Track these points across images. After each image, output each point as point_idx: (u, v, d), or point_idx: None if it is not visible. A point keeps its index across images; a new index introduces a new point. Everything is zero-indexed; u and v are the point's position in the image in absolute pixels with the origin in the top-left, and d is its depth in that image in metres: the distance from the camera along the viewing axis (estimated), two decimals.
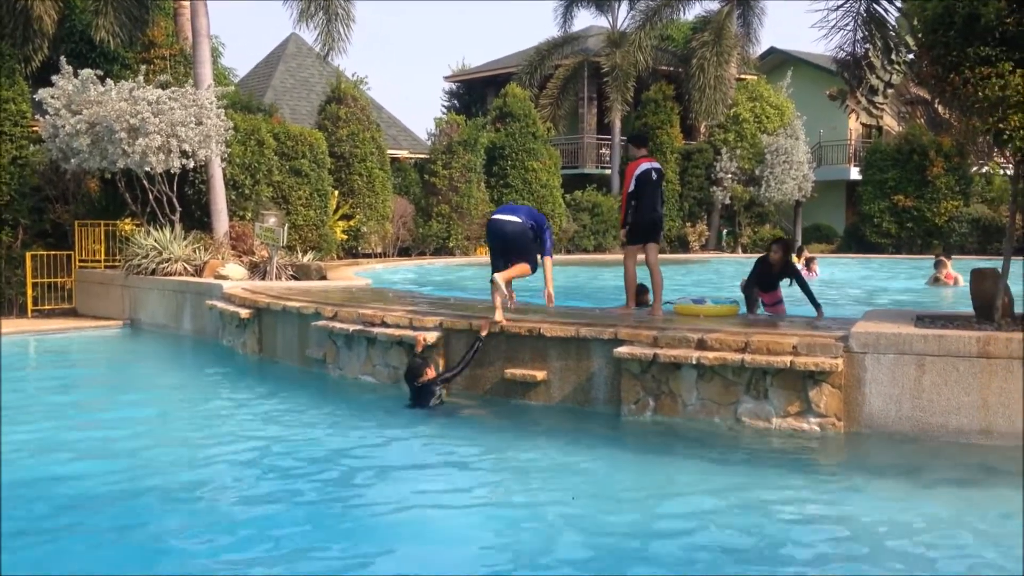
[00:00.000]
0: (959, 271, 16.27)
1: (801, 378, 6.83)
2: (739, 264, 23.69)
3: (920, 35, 7.75)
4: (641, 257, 9.68)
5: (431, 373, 8.05)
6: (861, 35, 13.53)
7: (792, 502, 5.50)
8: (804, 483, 5.89)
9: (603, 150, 31.58)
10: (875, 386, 6.76)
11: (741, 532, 4.99)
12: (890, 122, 33.84)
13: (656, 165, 9.50)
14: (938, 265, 17.36)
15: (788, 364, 6.78)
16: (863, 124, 33.95)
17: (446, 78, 38.82)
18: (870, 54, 13.97)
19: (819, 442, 6.68)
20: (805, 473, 6.11)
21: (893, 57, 13.81)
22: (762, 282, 9.90)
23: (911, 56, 14.08)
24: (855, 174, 31.58)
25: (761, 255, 10.18)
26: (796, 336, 7.09)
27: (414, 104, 71.88)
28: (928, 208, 26.92)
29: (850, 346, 6.82)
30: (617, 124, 28.78)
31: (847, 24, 12.94)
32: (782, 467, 6.22)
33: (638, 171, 9.29)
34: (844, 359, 6.79)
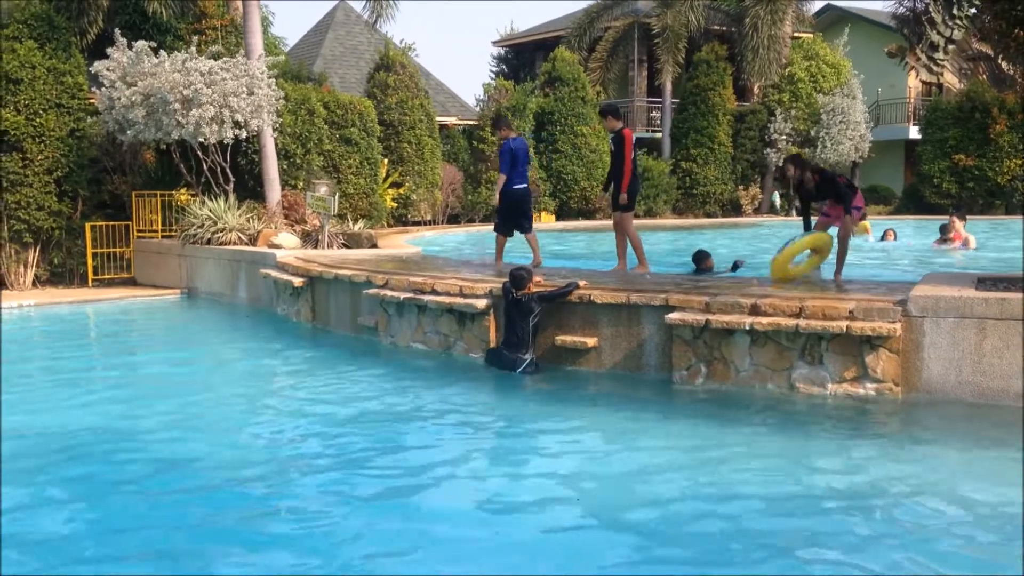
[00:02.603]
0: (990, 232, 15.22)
1: (858, 343, 6.72)
2: (789, 227, 23.32)
3: None
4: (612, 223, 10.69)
5: (533, 288, 8.02)
6: None
7: (849, 468, 5.43)
8: (862, 449, 5.81)
9: (653, 113, 31.17)
10: (934, 351, 6.62)
11: (796, 499, 4.94)
12: (951, 79, 32.87)
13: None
14: (944, 228, 16.22)
15: (844, 329, 6.66)
16: (923, 82, 33.00)
17: (494, 43, 38.60)
18: (930, 9, 13.53)
19: (876, 408, 6.57)
20: (863, 439, 6.03)
21: (955, 12, 13.38)
22: (806, 202, 9.95)
23: (973, 11, 13.63)
24: (914, 133, 30.77)
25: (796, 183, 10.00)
26: (853, 300, 6.96)
27: (462, 70, 71.66)
28: (990, 167, 26.12)
29: (909, 310, 6.68)
30: (668, 86, 28.35)
31: None
32: (839, 433, 6.15)
33: (627, 139, 9.99)
34: (902, 323, 6.65)
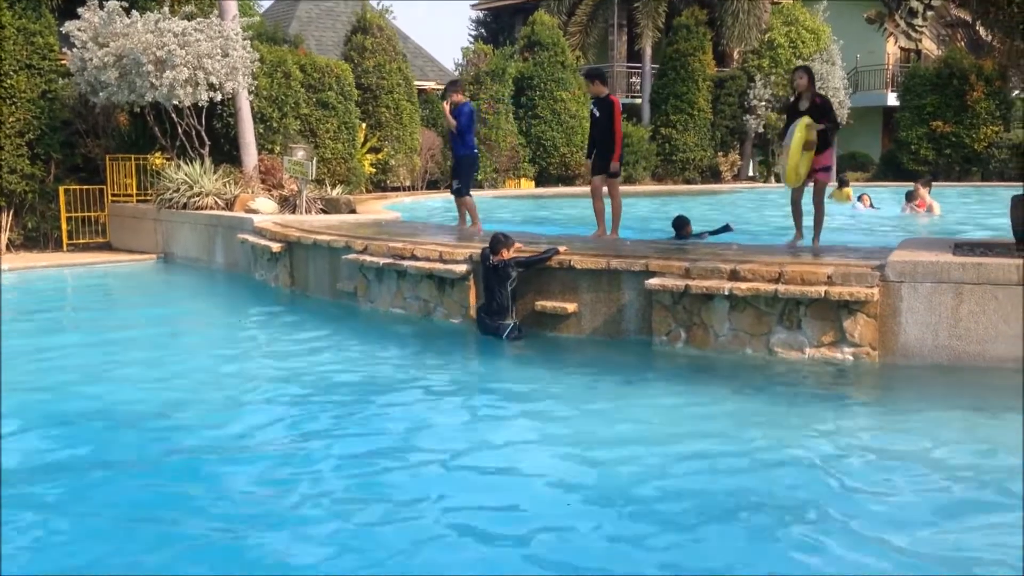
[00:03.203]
0: (967, 200, 15.64)
1: (835, 308, 6.77)
2: (766, 193, 23.38)
3: None
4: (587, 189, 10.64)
5: (507, 254, 7.98)
6: None
7: (827, 431, 5.48)
8: (839, 412, 5.87)
9: (633, 79, 31.01)
10: (911, 315, 6.68)
11: (774, 462, 4.99)
12: (929, 46, 32.89)
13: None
14: (910, 194, 16.59)
15: (823, 294, 6.70)
16: (901, 48, 33.02)
17: (473, 6, 38.13)
18: None
19: (853, 372, 6.64)
20: (840, 403, 6.09)
21: None
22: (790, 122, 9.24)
23: None
24: (892, 100, 30.83)
25: (789, 102, 9.69)
26: (831, 266, 7.00)
27: (441, 33, 70.89)
28: (967, 134, 26.28)
29: (886, 275, 6.73)
30: (648, 51, 28.19)
31: None
32: (816, 397, 6.21)
33: (613, 105, 9.90)
34: (880, 288, 6.70)
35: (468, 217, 11.32)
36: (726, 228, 11.46)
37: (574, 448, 5.27)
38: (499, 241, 8.07)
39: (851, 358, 6.76)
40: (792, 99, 9.40)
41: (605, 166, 10.11)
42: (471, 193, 11.38)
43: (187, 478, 4.94)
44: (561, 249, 8.12)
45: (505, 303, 7.95)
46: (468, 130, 10.98)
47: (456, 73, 25.36)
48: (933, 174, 26.64)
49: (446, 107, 11.11)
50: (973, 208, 18.17)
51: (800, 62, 27.52)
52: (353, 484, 4.79)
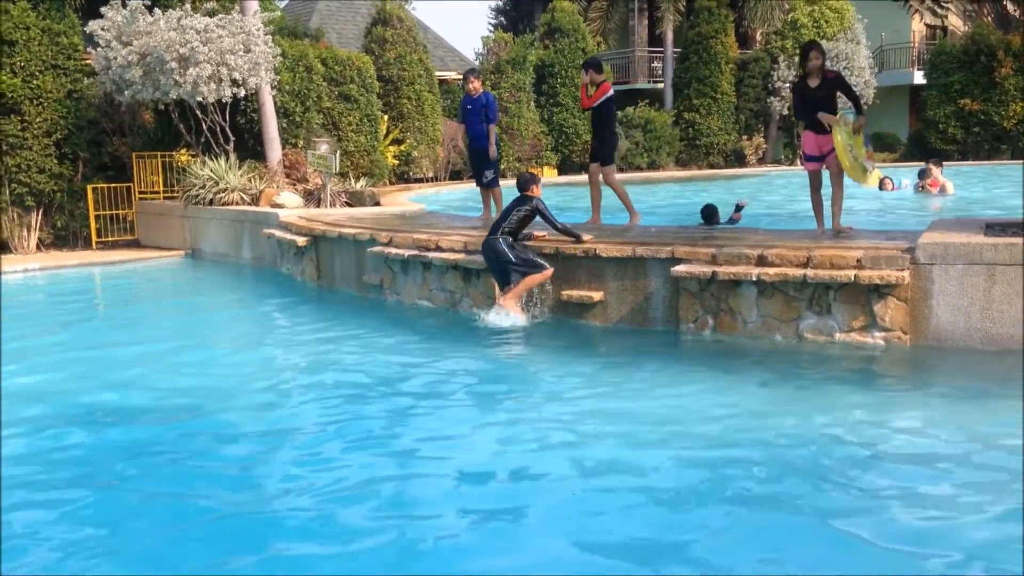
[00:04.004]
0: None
1: (866, 292, 6.70)
2: (793, 176, 23.18)
3: None
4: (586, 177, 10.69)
5: (536, 191, 8.27)
6: None
7: (860, 416, 5.44)
8: (871, 397, 5.82)
9: (655, 63, 30.81)
10: (943, 298, 6.60)
11: (807, 447, 4.95)
12: (956, 22, 32.40)
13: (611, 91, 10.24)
14: (923, 173, 16.52)
15: (852, 278, 6.64)
16: (927, 25, 32.56)
17: None
18: None
19: (885, 356, 6.57)
20: (872, 388, 6.04)
21: None
22: (806, 112, 8.43)
23: None
24: (919, 78, 30.40)
25: (795, 81, 8.95)
26: (860, 249, 6.93)
27: (461, 23, 70.70)
28: (996, 112, 25.84)
29: (917, 257, 6.65)
30: (669, 35, 27.98)
31: None
32: (848, 382, 6.15)
33: (609, 94, 10.08)
34: (911, 271, 6.62)
35: (493, 207, 11.32)
36: (738, 207, 11.41)
37: (605, 438, 5.26)
38: (527, 179, 8.39)
39: (882, 342, 6.70)
40: (799, 77, 8.61)
41: (599, 153, 10.28)
42: None
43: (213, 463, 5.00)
44: (586, 238, 8.11)
45: (509, 222, 8.14)
46: (496, 117, 11.16)
47: (476, 62, 25.31)
48: (962, 152, 26.33)
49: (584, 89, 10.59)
50: (992, 188, 17.94)
51: (824, 42, 27.25)
52: (383, 475, 4.81)
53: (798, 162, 27.53)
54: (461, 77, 25.45)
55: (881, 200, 15.55)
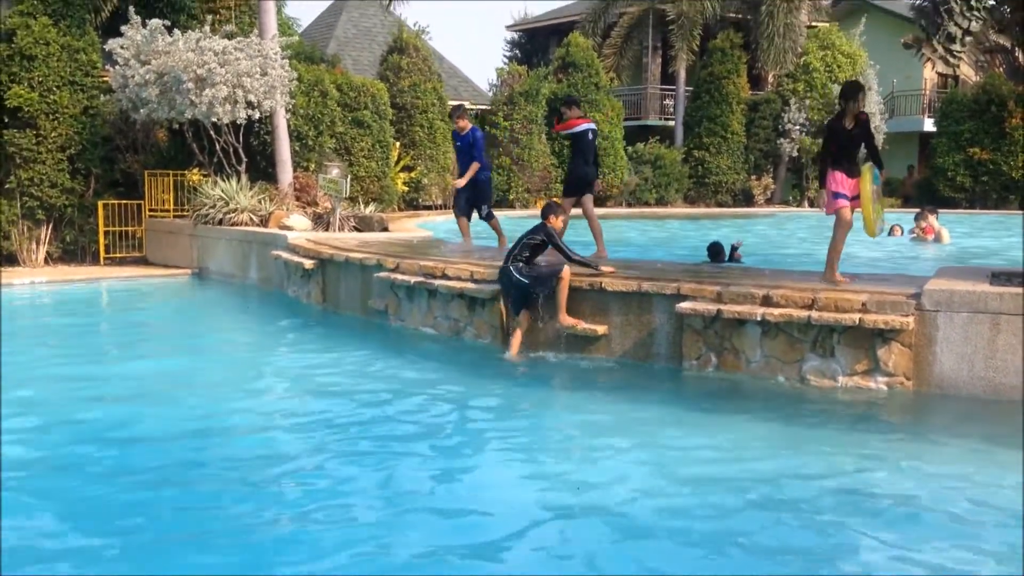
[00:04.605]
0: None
1: (870, 336, 6.69)
2: (804, 217, 23.23)
3: None
4: (577, 211, 10.88)
5: (553, 220, 8.28)
6: None
7: (861, 461, 5.41)
8: (872, 442, 5.79)
9: (667, 101, 31.01)
10: (947, 345, 6.59)
11: (807, 491, 4.93)
12: (967, 71, 32.55)
13: (592, 125, 10.75)
14: (918, 217, 16.62)
15: (857, 321, 6.63)
16: (939, 73, 32.73)
17: (508, 27, 38.43)
18: (949, 0, 13.39)
19: (887, 401, 6.55)
20: (873, 432, 6.01)
21: (972, 3, 13.25)
22: (841, 153, 8.04)
23: (992, 2, 13.48)
24: (929, 126, 30.52)
25: (829, 119, 8.41)
26: (866, 293, 6.93)
27: (476, 54, 71.28)
28: (1005, 161, 25.93)
29: (922, 303, 6.65)
30: (682, 74, 28.19)
31: None
32: (850, 426, 6.13)
33: (576, 130, 10.52)
34: (915, 317, 6.62)
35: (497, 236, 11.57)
36: (734, 248, 11.44)
37: (601, 474, 5.24)
38: (547, 208, 8.48)
39: (885, 388, 6.68)
40: (836, 116, 8.19)
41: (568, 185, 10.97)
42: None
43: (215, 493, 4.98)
44: (606, 269, 8.14)
45: (522, 256, 8.18)
46: (483, 153, 11.55)
47: (490, 94, 25.49)
48: (970, 201, 26.37)
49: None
50: (988, 235, 18.01)
51: (836, 87, 27.41)
52: (382, 504, 4.79)
53: (806, 204, 27.64)
54: (476, 107, 25.72)
55: (882, 247, 15.57)
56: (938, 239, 16.15)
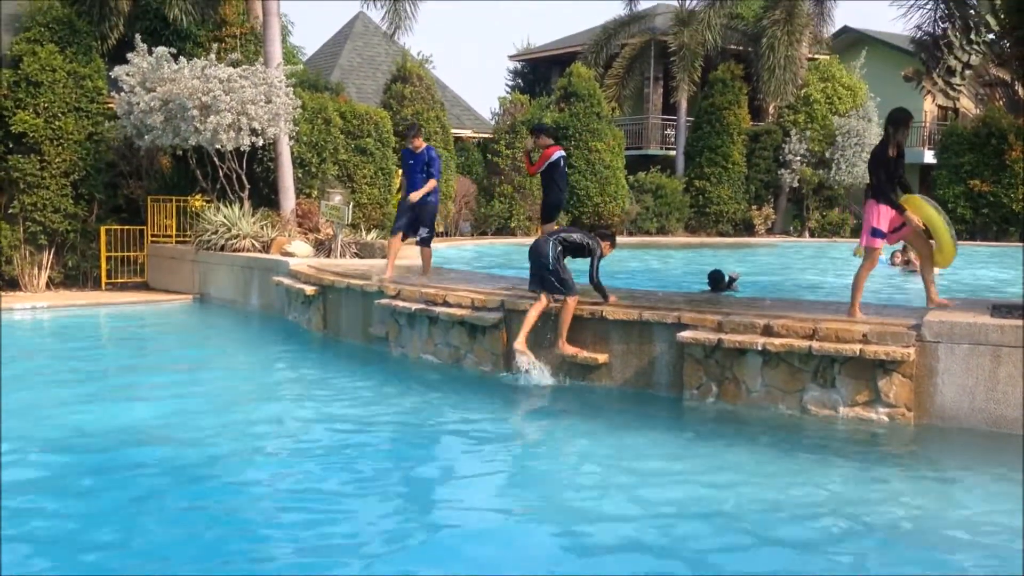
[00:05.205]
0: None
1: (871, 367, 6.68)
2: (805, 247, 23.27)
3: (1003, 15, 7.46)
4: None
5: (607, 249, 8.49)
6: (940, 14, 13.10)
7: (861, 493, 5.39)
8: (874, 474, 5.77)
9: (668, 131, 31.18)
10: (948, 377, 6.58)
11: (807, 522, 4.90)
12: (967, 104, 32.72)
13: (562, 152, 10.60)
14: (906, 248, 15.89)
15: (857, 352, 6.63)
16: (939, 106, 32.90)
17: (511, 57, 38.73)
18: (949, 33, 13.50)
19: (888, 432, 6.53)
20: (874, 464, 5.99)
21: (972, 37, 13.35)
22: (888, 181, 7.65)
23: (992, 36, 13.60)
24: (929, 158, 30.66)
25: (875, 148, 7.93)
26: (867, 324, 6.93)
27: (478, 83, 71.81)
28: (1005, 194, 26.01)
29: (923, 335, 6.65)
30: (683, 104, 28.37)
31: (926, 2, 12.54)
32: (851, 457, 6.11)
33: (552, 159, 10.36)
34: (916, 348, 6.62)
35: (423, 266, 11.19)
36: (731, 280, 11.36)
37: (596, 504, 5.22)
38: (612, 237, 8.75)
39: (886, 419, 6.66)
40: (882, 145, 7.76)
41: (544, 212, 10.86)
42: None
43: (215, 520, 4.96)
44: (612, 299, 8.19)
45: (566, 242, 8.34)
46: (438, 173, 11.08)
47: (492, 122, 25.65)
48: (971, 233, 26.41)
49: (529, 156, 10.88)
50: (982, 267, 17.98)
51: (837, 119, 27.59)
52: (381, 532, 4.77)
53: (807, 234, 27.70)
54: (478, 136, 25.86)
55: (872, 279, 15.53)
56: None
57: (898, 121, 7.68)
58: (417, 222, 11.02)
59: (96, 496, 5.30)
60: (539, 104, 24.22)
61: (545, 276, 8.15)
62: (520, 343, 8.04)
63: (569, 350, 7.95)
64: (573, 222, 24.71)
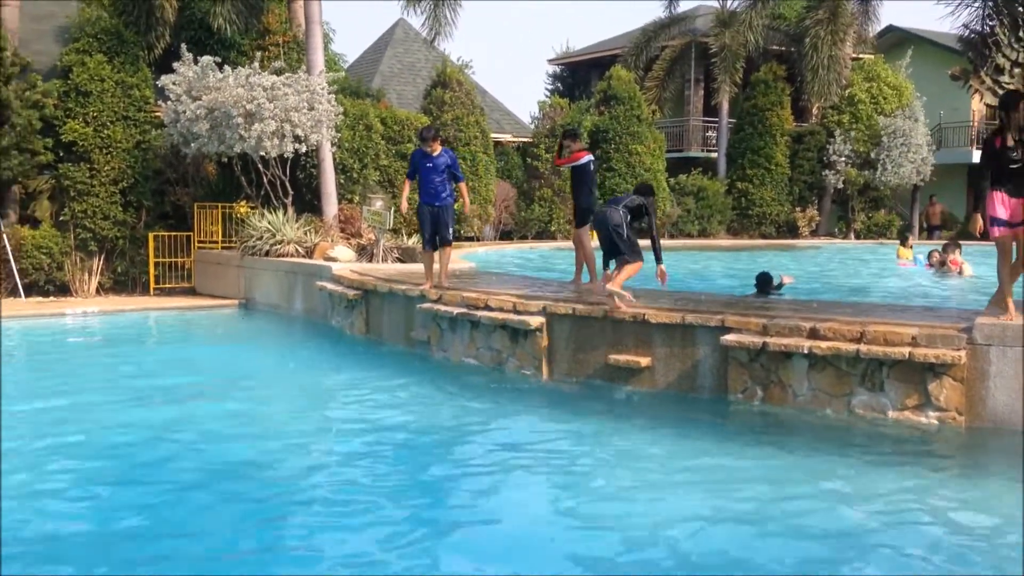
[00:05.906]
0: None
1: (920, 370, 6.57)
2: (847, 249, 22.95)
3: None
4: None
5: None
6: (988, 11, 12.85)
7: (914, 499, 5.30)
8: (925, 479, 5.67)
9: (709, 133, 30.94)
10: (1000, 380, 6.44)
11: (858, 527, 4.83)
12: None
13: (591, 157, 10.90)
14: (947, 247, 16.30)
15: (907, 355, 6.52)
16: (987, 105, 32.28)
17: (550, 61, 38.69)
18: (997, 31, 13.26)
19: (939, 437, 6.41)
20: (926, 469, 5.89)
21: (1021, 35, 13.09)
22: (1001, 173, 6.92)
23: None
24: (978, 157, 30.09)
25: (987, 135, 7.29)
26: (916, 327, 6.81)
27: (518, 87, 71.84)
28: None
29: (974, 338, 6.51)
30: (725, 106, 28.13)
31: (974, 0, 12.31)
32: (902, 463, 6.00)
33: (581, 162, 10.63)
34: (967, 351, 6.49)
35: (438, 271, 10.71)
36: (780, 284, 11.21)
37: (644, 509, 5.18)
38: (646, 188, 9.15)
39: (936, 423, 6.54)
40: (994, 131, 7.07)
41: (576, 216, 10.92)
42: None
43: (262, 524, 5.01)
44: (661, 267, 8.91)
45: (626, 206, 8.69)
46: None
47: (531, 127, 25.66)
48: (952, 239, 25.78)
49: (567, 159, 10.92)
50: None
51: (882, 119, 27.17)
52: (418, 539, 4.79)
53: (852, 236, 27.32)
54: (517, 140, 25.88)
55: (903, 278, 15.44)
56: (961, 272, 16.00)
57: (1008, 104, 6.92)
58: (440, 226, 10.75)
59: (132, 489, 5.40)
60: (579, 108, 24.17)
61: (617, 242, 8.43)
62: (613, 283, 8.23)
63: (615, 287, 8.09)
64: None
